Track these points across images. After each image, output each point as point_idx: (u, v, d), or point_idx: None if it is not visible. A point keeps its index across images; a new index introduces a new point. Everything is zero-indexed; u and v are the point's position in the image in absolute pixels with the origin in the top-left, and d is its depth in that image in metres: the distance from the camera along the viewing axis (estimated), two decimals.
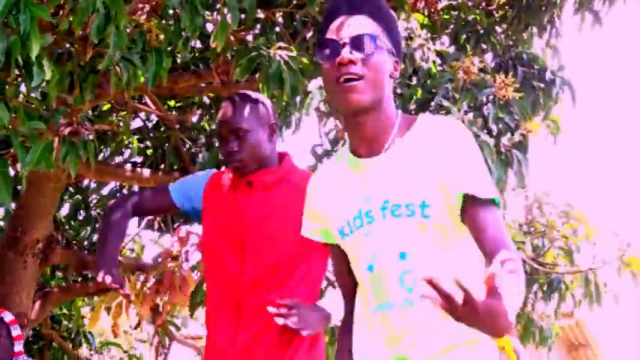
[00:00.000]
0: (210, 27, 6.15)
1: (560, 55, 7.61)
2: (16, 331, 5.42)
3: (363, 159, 2.54)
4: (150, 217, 8.34)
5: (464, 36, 7.52)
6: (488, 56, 7.58)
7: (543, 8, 7.07)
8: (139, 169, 7.52)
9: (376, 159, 2.51)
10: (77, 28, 4.17)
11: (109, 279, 3.41)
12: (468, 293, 1.93)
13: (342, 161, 2.64)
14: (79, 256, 8.07)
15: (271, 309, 3.23)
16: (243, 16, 5.46)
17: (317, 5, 5.41)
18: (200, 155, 7.66)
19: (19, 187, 7.19)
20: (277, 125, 3.76)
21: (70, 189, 8.67)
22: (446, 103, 5.84)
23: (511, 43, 7.52)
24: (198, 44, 7.15)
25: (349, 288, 2.70)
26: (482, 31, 7.49)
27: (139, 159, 8.14)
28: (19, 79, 4.39)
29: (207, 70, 6.88)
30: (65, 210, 8.87)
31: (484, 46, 7.53)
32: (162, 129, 7.97)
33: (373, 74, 2.46)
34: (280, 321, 3.19)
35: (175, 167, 7.77)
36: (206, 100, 8.24)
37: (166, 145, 7.82)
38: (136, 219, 8.30)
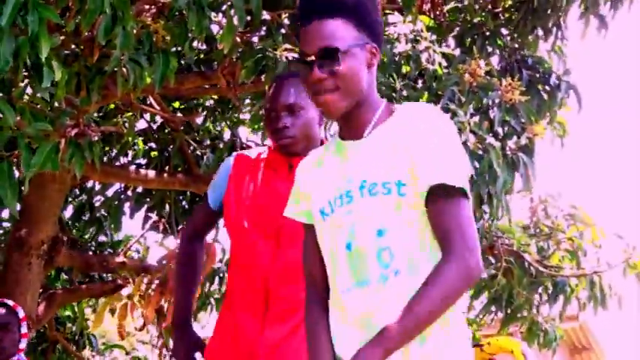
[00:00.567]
0: (215, 28, 6.16)
1: (566, 59, 7.60)
2: (24, 329, 5.46)
3: (346, 142, 2.61)
4: (155, 219, 8.35)
5: (469, 38, 7.51)
6: (494, 59, 7.58)
7: (549, 11, 7.06)
8: (143, 171, 7.52)
9: (357, 142, 2.58)
10: (84, 29, 4.17)
11: None
12: None
13: (331, 145, 2.70)
14: (84, 258, 8.08)
15: None
16: (249, 17, 5.45)
17: None
18: (205, 157, 7.67)
19: (23, 189, 7.19)
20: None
21: (75, 190, 8.67)
22: (452, 106, 5.83)
23: (517, 46, 7.51)
24: (203, 45, 7.14)
25: (319, 278, 2.69)
26: (488, 34, 7.49)
27: (143, 160, 8.14)
28: (26, 80, 4.39)
29: (212, 72, 6.88)
30: (70, 211, 8.87)
31: (490, 49, 7.53)
32: (167, 130, 7.98)
33: (346, 83, 2.51)
34: None
35: (180, 169, 7.77)
36: (211, 101, 8.24)
37: (171, 146, 7.83)
38: (140, 220, 8.36)
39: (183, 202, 8.50)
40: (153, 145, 8.15)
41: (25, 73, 4.43)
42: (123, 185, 8.45)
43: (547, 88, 7.07)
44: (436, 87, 6.34)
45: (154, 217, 8.47)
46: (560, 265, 8.28)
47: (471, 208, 2.50)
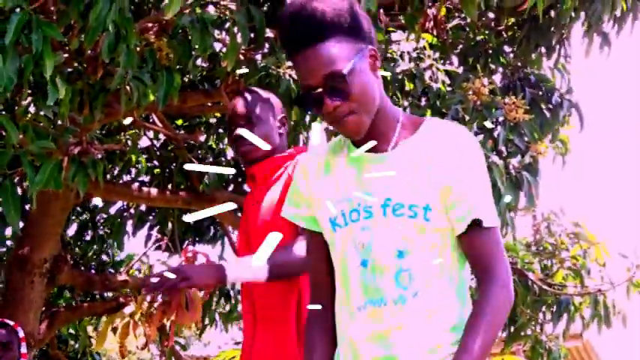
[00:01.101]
0: (218, 46, 6.15)
1: (569, 77, 7.60)
2: (23, 349, 5.50)
3: (367, 154, 2.50)
4: (159, 236, 8.35)
5: (473, 56, 7.51)
6: (497, 77, 7.58)
7: (552, 29, 7.05)
8: (146, 189, 7.51)
9: (380, 156, 2.49)
10: (88, 47, 4.16)
11: None
12: None
13: (342, 151, 2.60)
14: (86, 276, 8.06)
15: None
16: (252, 35, 5.45)
17: None
18: (207, 175, 7.65)
19: (26, 207, 7.17)
20: (287, 119, 3.78)
21: (77, 208, 8.66)
22: None
23: (520, 63, 7.51)
24: (206, 63, 7.14)
25: (326, 286, 2.65)
26: (491, 52, 7.49)
27: (146, 178, 8.13)
28: (30, 98, 4.39)
29: (215, 90, 6.87)
30: (72, 229, 8.86)
31: (493, 67, 7.53)
32: (169, 148, 7.97)
33: (360, 103, 2.43)
34: None
35: (182, 186, 7.76)
36: (214, 119, 8.23)
37: (174, 164, 7.82)
38: (143, 238, 8.34)
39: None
40: (155, 162, 8.14)
41: (29, 91, 4.43)
42: (125, 203, 8.44)
43: (550, 106, 7.07)
44: (440, 105, 6.34)
45: (155, 234, 8.47)
46: (563, 284, 8.26)
47: None
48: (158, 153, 8.13)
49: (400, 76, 6.49)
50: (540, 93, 7.23)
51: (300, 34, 2.45)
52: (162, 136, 8.02)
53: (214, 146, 8.29)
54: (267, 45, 5.88)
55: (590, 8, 6.70)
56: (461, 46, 7.68)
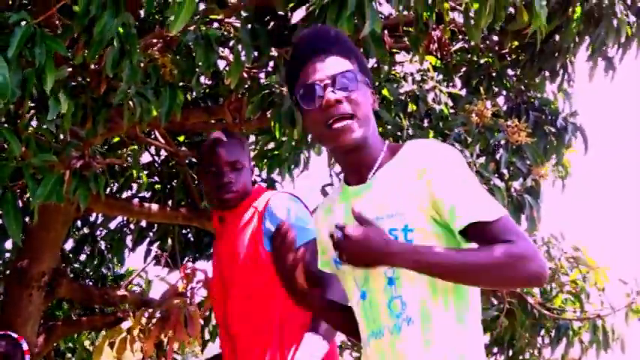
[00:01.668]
0: (222, 64, 6.15)
1: (573, 100, 7.60)
2: None
3: (351, 187, 2.55)
4: (158, 252, 8.33)
5: (476, 79, 7.52)
6: (500, 100, 7.58)
7: (556, 53, 7.05)
8: (146, 204, 7.50)
9: (361, 187, 2.52)
10: (91, 61, 4.17)
11: None
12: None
13: (338, 191, 2.65)
14: (85, 290, 8.03)
15: None
16: (256, 53, 5.45)
17: None
18: None
19: (26, 220, 7.16)
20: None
21: (78, 222, 8.65)
22: (458, 146, 5.82)
23: (523, 87, 7.51)
24: (209, 80, 7.14)
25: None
26: (494, 75, 7.49)
27: (146, 194, 8.12)
28: (33, 112, 4.39)
29: (218, 107, 6.87)
30: (71, 243, 8.84)
31: (496, 90, 7.53)
32: (171, 164, 7.96)
33: (361, 111, 2.47)
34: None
35: (183, 203, 7.75)
36: None
37: (175, 180, 7.81)
38: (142, 253, 8.33)
39: (188, 236, 8.47)
40: (156, 178, 8.13)
41: (32, 104, 4.43)
42: (125, 218, 8.42)
43: (553, 130, 7.06)
44: (442, 126, 6.34)
45: (155, 249, 8.45)
46: (562, 308, 8.24)
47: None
48: (159, 169, 8.13)
49: (403, 97, 6.49)
50: (544, 116, 7.23)
51: (322, 42, 2.54)
52: (163, 153, 8.02)
53: None
54: (270, 63, 5.88)
55: (594, 33, 6.69)
56: (464, 68, 7.69)
